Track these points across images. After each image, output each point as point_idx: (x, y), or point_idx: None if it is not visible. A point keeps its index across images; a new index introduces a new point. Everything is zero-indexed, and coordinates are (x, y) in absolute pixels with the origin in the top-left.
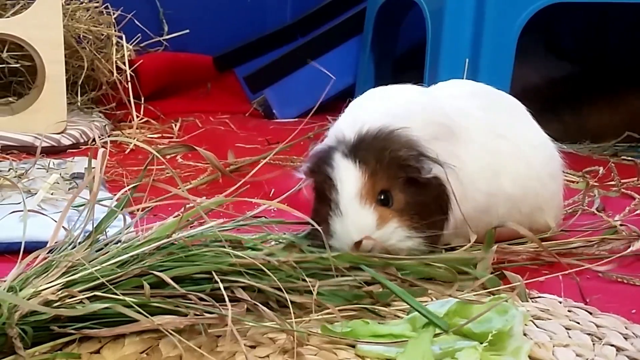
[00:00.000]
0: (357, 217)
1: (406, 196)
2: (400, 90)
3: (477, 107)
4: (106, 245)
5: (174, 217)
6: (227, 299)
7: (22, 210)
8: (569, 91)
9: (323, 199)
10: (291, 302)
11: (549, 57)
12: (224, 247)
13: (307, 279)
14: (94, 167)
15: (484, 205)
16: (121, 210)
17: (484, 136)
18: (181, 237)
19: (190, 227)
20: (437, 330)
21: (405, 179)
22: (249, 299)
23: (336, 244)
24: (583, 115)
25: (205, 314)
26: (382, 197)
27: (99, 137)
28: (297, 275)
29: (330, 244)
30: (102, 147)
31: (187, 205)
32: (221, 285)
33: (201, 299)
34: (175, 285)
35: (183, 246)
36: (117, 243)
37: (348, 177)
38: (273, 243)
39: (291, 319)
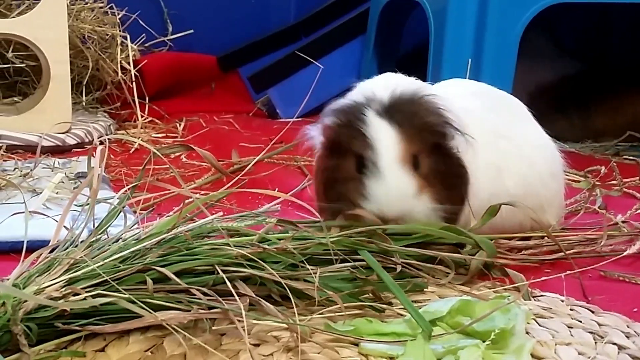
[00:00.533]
0: (399, 184)
1: (432, 162)
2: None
3: (481, 107)
4: (108, 242)
5: (174, 213)
6: (234, 293)
7: (23, 212)
8: (576, 90)
9: (346, 154)
10: (293, 291)
11: (560, 55)
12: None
13: (307, 266)
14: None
15: (487, 204)
16: (122, 208)
17: (487, 136)
18: (181, 231)
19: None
20: (441, 330)
21: (432, 144)
22: (252, 294)
23: (372, 206)
24: (589, 115)
25: (208, 308)
26: (413, 162)
27: (99, 137)
28: (297, 260)
29: (365, 205)
30: (101, 143)
31: (187, 201)
32: (226, 280)
33: (204, 294)
34: (178, 280)
35: (184, 240)
36: (118, 241)
37: (387, 138)
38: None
39: (294, 313)
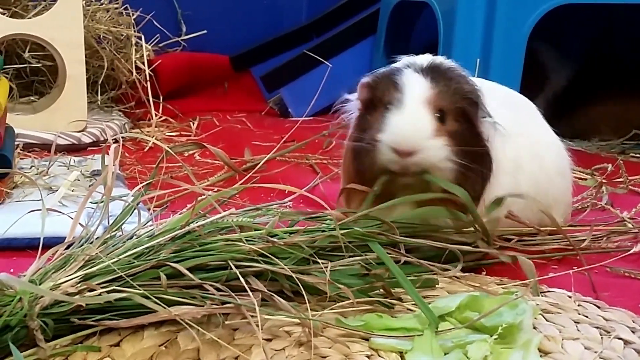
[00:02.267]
0: (417, 118)
1: (458, 126)
2: None
3: (498, 104)
4: (123, 239)
5: (187, 209)
6: (247, 288)
7: (40, 209)
8: (579, 91)
9: (378, 107)
10: (305, 286)
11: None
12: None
13: (318, 260)
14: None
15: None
16: (137, 205)
17: (506, 132)
18: (194, 228)
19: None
20: (449, 325)
21: (462, 110)
22: (265, 289)
23: (388, 137)
24: (594, 115)
25: (221, 304)
26: (439, 115)
27: (113, 136)
28: (307, 254)
29: (381, 137)
30: (115, 142)
31: (199, 198)
32: (240, 275)
33: (217, 289)
34: (191, 276)
35: (197, 237)
36: (132, 237)
37: (417, 84)
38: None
39: (306, 309)
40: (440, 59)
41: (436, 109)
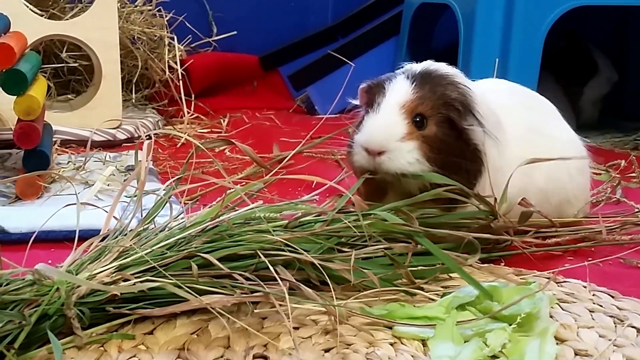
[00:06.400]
0: (389, 121)
1: (439, 131)
2: None
3: (515, 104)
4: (155, 231)
5: (217, 202)
6: (277, 277)
7: (76, 203)
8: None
9: (371, 110)
10: (330, 276)
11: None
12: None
13: (343, 249)
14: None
15: (517, 197)
16: (169, 198)
17: (521, 131)
18: (224, 220)
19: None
20: (470, 316)
21: (446, 118)
22: (292, 279)
23: (361, 138)
24: None
25: (251, 292)
26: (418, 119)
27: (145, 133)
28: (333, 243)
29: (355, 138)
30: (149, 138)
31: (228, 192)
32: (269, 265)
33: (246, 279)
34: (221, 266)
35: (226, 228)
36: (164, 229)
37: (399, 89)
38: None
39: (332, 297)
40: (438, 66)
41: (413, 113)
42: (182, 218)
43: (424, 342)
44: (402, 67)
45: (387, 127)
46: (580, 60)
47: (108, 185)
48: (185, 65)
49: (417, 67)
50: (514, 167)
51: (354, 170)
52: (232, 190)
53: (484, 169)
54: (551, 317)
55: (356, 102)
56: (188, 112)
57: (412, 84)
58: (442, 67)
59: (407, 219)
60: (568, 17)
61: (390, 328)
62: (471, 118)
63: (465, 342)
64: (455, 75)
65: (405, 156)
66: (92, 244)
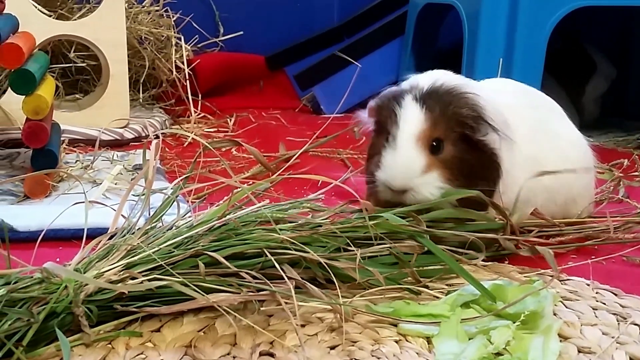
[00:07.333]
0: (407, 158)
1: (456, 150)
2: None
3: (521, 104)
4: (163, 230)
5: (224, 201)
6: (284, 275)
7: (84, 202)
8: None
9: (382, 133)
10: (336, 274)
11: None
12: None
13: (349, 248)
14: (149, 159)
15: (523, 197)
16: (176, 197)
17: (527, 131)
18: (231, 219)
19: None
20: (474, 314)
21: (461, 135)
22: (298, 277)
23: (382, 175)
24: None
25: (257, 291)
26: (435, 144)
27: (153, 132)
28: (340, 243)
29: (377, 174)
30: (156, 137)
31: (235, 191)
32: (275, 263)
33: (253, 277)
34: (228, 264)
35: (233, 227)
36: (172, 228)
37: (412, 117)
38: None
39: (338, 295)
40: (443, 79)
41: (431, 140)
42: (189, 217)
43: (428, 339)
44: (407, 80)
45: (407, 165)
46: (578, 60)
47: (116, 184)
48: (192, 65)
49: (423, 82)
50: (522, 167)
51: (376, 203)
52: (239, 189)
53: (502, 171)
54: (555, 314)
55: (364, 114)
56: (195, 112)
57: (423, 107)
58: (448, 80)
59: (415, 222)
60: (570, 17)
61: (395, 325)
62: (484, 127)
63: (469, 339)
64: (462, 86)
65: (429, 188)
66: (100, 242)
